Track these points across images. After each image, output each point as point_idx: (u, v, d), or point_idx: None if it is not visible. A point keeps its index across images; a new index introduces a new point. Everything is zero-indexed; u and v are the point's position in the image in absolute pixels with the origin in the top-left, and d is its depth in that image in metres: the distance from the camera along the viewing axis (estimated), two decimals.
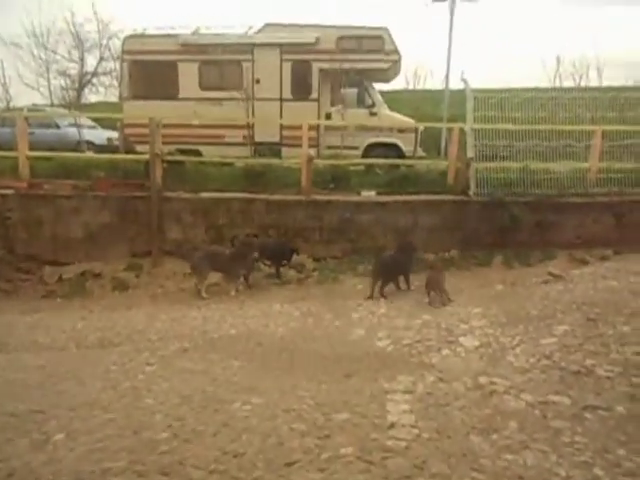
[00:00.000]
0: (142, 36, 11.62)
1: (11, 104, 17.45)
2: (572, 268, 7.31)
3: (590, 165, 8.67)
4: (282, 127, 11.03)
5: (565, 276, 6.80)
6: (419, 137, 11.08)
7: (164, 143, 9.09)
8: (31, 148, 9.17)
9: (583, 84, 23.74)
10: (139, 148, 10.21)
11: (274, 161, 9.95)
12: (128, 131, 11.26)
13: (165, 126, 9.20)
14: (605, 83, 22.09)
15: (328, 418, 3.09)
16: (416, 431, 2.91)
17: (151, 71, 11.18)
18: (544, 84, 23.56)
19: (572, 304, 5.19)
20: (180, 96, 11.24)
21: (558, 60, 24.35)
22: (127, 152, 10.68)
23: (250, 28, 11.64)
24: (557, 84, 24.49)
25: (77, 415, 3.21)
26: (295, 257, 7.91)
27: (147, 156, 8.70)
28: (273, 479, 2.50)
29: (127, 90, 11.54)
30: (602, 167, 8.62)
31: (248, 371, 4.09)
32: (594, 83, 23.19)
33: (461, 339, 4.67)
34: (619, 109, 8.76)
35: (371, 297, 6.61)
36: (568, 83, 24.38)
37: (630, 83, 20.77)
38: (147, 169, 8.68)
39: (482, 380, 3.65)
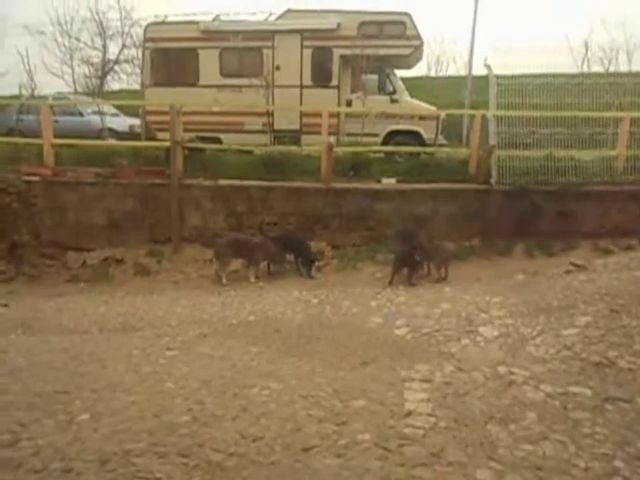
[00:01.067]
0: (163, 23, 11.67)
1: (36, 92, 17.73)
2: (595, 258, 7.18)
3: (617, 153, 8.45)
4: (302, 114, 10.96)
5: (588, 266, 6.68)
6: (440, 124, 10.93)
7: (185, 130, 9.14)
8: (55, 136, 9.32)
9: (612, 69, 23.00)
10: (160, 135, 10.30)
11: (293, 148, 9.94)
12: (149, 118, 11.38)
13: (185, 113, 9.24)
14: (635, 68, 21.35)
15: (345, 405, 3.10)
16: (433, 419, 2.91)
17: (172, 58, 11.22)
18: (572, 70, 22.91)
19: (595, 295, 5.10)
20: (201, 83, 11.27)
21: (586, 45, 23.59)
22: (148, 139, 10.79)
23: (271, 14, 11.59)
24: (585, 70, 23.80)
25: (100, 397, 3.28)
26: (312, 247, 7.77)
27: (168, 143, 8.77)
28: (290, 463, 2.53)
29: (149, 77, 11.61)
30: (630, 155, 8.39)
31: (266, 357, 4.13)
32: (624, 68, 22.45)
33: (480, 329, 4.64)
34: None
35: (391, 283, 6.74)
36: (597, 68, 23.66)
37: None
38: (168, 156, 8.75)
39: (501, 370, 3.62)
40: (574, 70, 23.18)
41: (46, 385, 3.46)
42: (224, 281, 7.27)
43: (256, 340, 4.62)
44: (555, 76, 10.85)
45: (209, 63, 11.25)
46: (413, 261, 6.81)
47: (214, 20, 11.71)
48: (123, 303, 6.54)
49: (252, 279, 7.34)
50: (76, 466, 2.50)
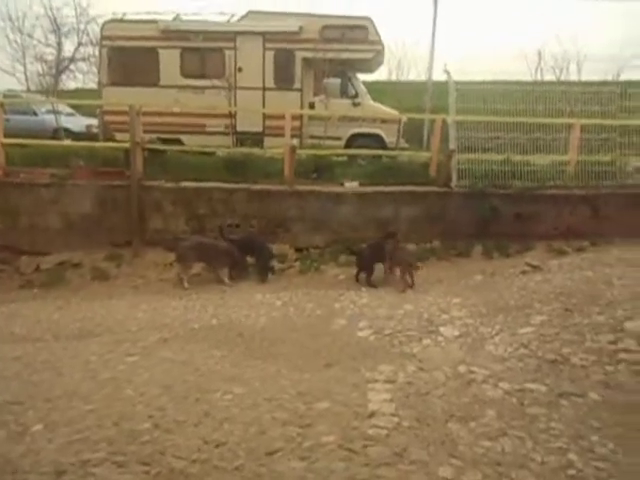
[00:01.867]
0: (122, 21, 11.37)
1: None
2: (550, 259, 7.44)
3: (569, 158, 8.79)
4: (265, 116, 10.91)
5: (543, 267, 6.92)
6: (402, 128, 11.11)
7: (145, 131, 8.93)
8: (7, 135, 8.95)
9: (563, 78, 23.99)
10: (119, 136, 10.04)
11: (256, 151, 9.87)
12: (108, 119, 11.08)
13: (145, 114, 9.04)
14: (584, 77, 22.35)
15: (310, 407, 3.11)
16: (396, 419, 2.95)
17: (131, 57, 10.95)
18: (526, 77, 23.72)
19: (550, 294, 5.29)
20: (161, 83, 11.06)
21: (539, 54, 24.52)
22: (107, 140, 10.50)
23: (233, 15, 11.50)
24: (538, 78, 24.69)
25: (55, 406, 3.17)
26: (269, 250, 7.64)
27: (127, 144, 8.56)
28: (255, 468, 2.52)
29: (106, 77, 11.30)
30: (580, 160, 8.74)
31: (229, 361, 4.09)
32: (574, 77, 23.46)
33: (441, 329, 4.74)
34: (598, 103, 8.89)
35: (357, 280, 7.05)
36: (549, 77, 24.61)
37: (609, 78, 21.05)
38: (127, 158, 8.53)
39: (461, 369, 3.71)
40: (528, 78, 24.08)
41: None
42: (186, 285, 7.15)
43: (219, 344, 4.57)
44: (511, 83, 11.23)
45: (170, 63, 11.06)
46: (373, 262, 6.93)
47: (174, 19, 11.53)
48: (80, 309, 6.33)
49: (226, 280, 7.23)
50: (29, 479, 2.41)
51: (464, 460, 2.57)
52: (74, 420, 2.97)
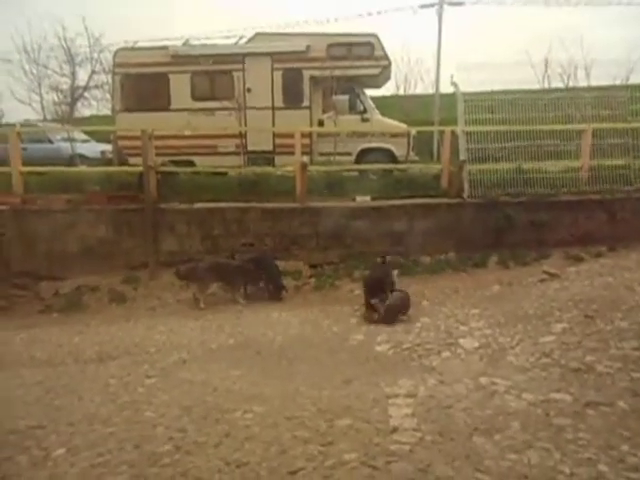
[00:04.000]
0: (133, 49, 11.67)
1: (3, 120, 17.43)
2: (568, 266, 7.34)
3: (581, 163, 8.73)
4: (275, 135, 11.04)
5: (561, 274, 6.83)
6: (412, 141, 11.13)
7: (157, 154, 9.09)
8: (24, 164, 9.16)
9: (571, 84, 23.96)
10: (132, 160, 10.21)
11: (268, 169, 9.96)
12: (121, 143, 11.29)
13: (158, 137, 9.21)
14: (593, 82, 22.29)
15: (330, 424, 3.07)
16: (419, 434, 2.90)
17: (143, 83, 11.19)
18: (534, 85, 23.74)
19: (569, 302, 5.21)
20: (172, 107, 11.26)
21: (546, 62, 24.57)
22: (121, 165, 10.68)
23: (241, 38, 11.72)
24: (546, 86, 24.68)
25: (77, 430, 3.18)
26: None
27: (140, 168, 8.70)
28: None
29: (119, 103, 11.55)
30: (593, 165, 8.67)
31: (248, 380, 4.07)
32: (583, 83, 23.43)
33: (460, 341, 4.68)
34: (608, 107, 8.84)
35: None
36: (557, 84, 24.59)
37: (617, 82, 20.98)
38: (141, 181, 8.67)
39: (483, 381, 3.65)
40: (536, 86, 24.08)
41: (19, 421, 3.33)
42: (202, 305, 7.19)
43: (237, 363, 4.56)
44: (519, 92, 11.21)
45: (180, 87, 11.27)
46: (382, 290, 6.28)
47: (184, 44, 11.78)
48: (98, 332, 6.38)
49: (241, 301, 7.28)
50: None
51: (490, 474, 2.51)
52: (95, 443, 2.97)
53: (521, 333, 4.63)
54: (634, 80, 22.01)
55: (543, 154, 8.70)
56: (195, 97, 11.30)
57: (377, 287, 6.28)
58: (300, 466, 2.64)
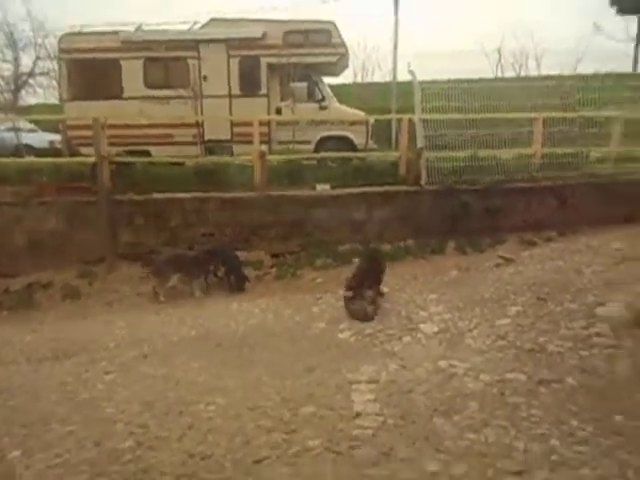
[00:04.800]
0: (80, 34, 11.18)
1: None
2: (522, 250, 7.59)
3: (534, 151, 9.01)
4: (232, 124, 10.87)
5: (515, 259, 7.06)
6: (370, 129, 11.20)
7: (110, 144, 8.79)
8: None
9: (523, 74, 24.66)
10: (84, 151, 9.83)
11: (226, 159, 9.81)
12: (71, 133, 10.84)
13: (111, 127, 8.90)
14: (544, 72, 23.02)
15: (294, 413, 3.10)
16: (381, 419, 2.97)
17: (92, 70, 10.75)
18: (487, 74, 24.28)
19: (523, 285, 5.40)
20: (125, 95, 10.89)
21: (499, 51, 25.16)
22: (71, 155, 10.27)
23: (195, 24, 11.41)
24: (499, 74, 25.29)
25: (32, 431, 3.08)
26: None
27: (93, 159, 8.39)
28: (242, 478, 2.49)
29: (67, 91, 11.07)
30: (545, 152, 8.97)
31: (210, 372, 4.04)
32: (533, 72, 24.16)
33: (421, 326, 4.78)
34: (557, 97, 9.14)
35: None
36: (509, 73, 25.26)
37: (566, 72, 21.72)
38: (94, 172, 8.37)
39: (442, 364, 3.75)
40: (490, 75, 24.64)
41: None
42: (162, 298, 7.05)
43: (199, 355, 4.52)
44: (474, 81, 11.46)
45: (132, 74, 10.90)
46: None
47: (136, 30, 11.37)
48: (53, 329, 6.16)
49: (197, 293, 7.19)
50: None
51: (450, 454, 2.60)
52: (53, 444, 2.89)
53: (478, 317, 4.78)
54: (582, 70, 22.86)
55: (497, 142, 8.92)
56: (148, 85, 10.97)
57: (370, 278, 5.62)
58: (264, 455, 2.65)
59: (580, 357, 3.63)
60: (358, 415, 3.02)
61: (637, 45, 26.77)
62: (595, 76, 15.44)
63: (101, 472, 2.57)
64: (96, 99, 10.47)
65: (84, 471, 2.59)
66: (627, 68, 24.90)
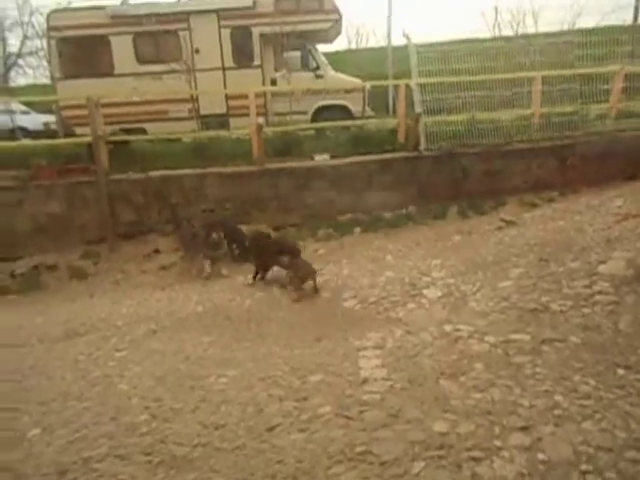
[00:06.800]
0: (67, 10, 10.93)
1: None
2: (523, 212, 7.60)
3: (532, 111, 8.90)
4: (228, 97, 10.72)
5: (517, 220, 7.07)
6: (367, 96, 11.04)
7: (106, 123, 8.71)
8: None
9: (521, 31, 24.14)
10: (79, 131, 9.75)
11: (223, 133, 9.73)
12: (66, 114, 10.71)
13: (105, 105, 8.79)
14: (542, 29, 22.53)
15: (304, 381, 3.17)
16: (389, 383, 3.03)
17: (82, 47, 10.54)
18: (485, 34, 23.76)
19: (525, 246, 5.43)
20: (116, 72, 10.71)
21: (496, 10, 24.61)
22: (67, 136, 10.18)
23: None
24: (497, 34, 24.78)
25: (50, 409, 3.16)
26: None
27: (89, 139, 8.33)
28: (256, 445, 2.57)
29: (58, 70, 10.87)
30: (544, 112, 8.86)
31: (219, 345, 4.11)
32: (531, 30, 23.65)
33: (424, 291, 4.83)
34: (555, 54, 8.97)
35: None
36: (507, 32, 24.74)
37: (565, 27, 21.26)
38: (91, 152, 8.32)
39: (447, 328, 3.81)
40: (487, 35, 24.12)
41: None
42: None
43: (207, 330, 4.58)
44: (470, 42, 11.21)
45: (123, 50, 10.69)
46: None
47: (123, 4, 11.11)
48: (62, 310, 6.23)
49: (207, 267, 7.14)
50: None
51: (457, 413, 2.67)
52: (71, 420, 2.97)
53: (481, 280, 4.82)
54: (581, 24, 22.35)
55: (496, 103, 8.81)
56: (140, 60, 10.77)
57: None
58: (277, 422, 2.73)
59: (583, 315, 3.68)
60: (366, 381, 3.09)
61: None
62: (594, 30, 15.09)
63: (119, 445, 2.65)
64: (89, 77, 10.31)
65: (103, 444, 2.67)
66: (629, 19, 24.32)
